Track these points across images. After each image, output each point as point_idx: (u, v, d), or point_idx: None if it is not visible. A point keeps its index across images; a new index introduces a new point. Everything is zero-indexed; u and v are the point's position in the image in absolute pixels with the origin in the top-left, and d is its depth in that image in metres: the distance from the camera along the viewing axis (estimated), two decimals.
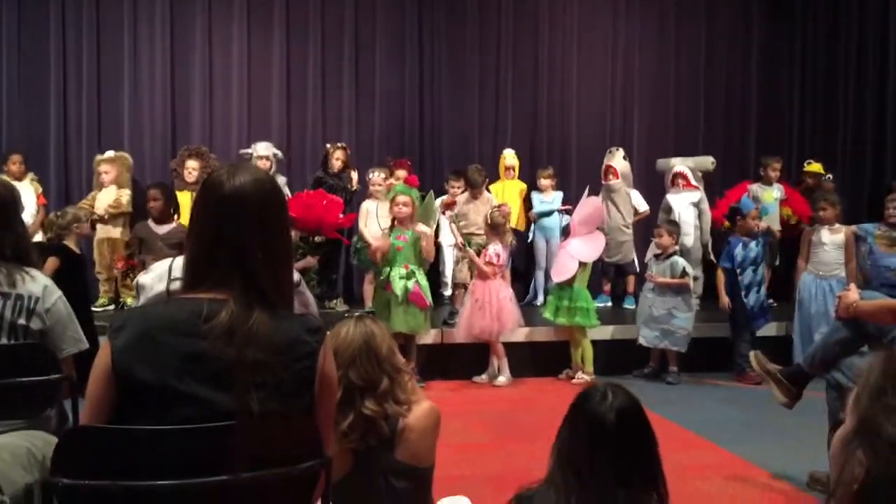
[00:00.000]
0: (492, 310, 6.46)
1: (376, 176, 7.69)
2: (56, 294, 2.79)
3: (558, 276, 6.80)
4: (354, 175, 8.00)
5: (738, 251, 6.83)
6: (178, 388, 1.60)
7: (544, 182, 8.43)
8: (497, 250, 6.56)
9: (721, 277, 6.91)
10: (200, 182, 3.85)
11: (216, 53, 8.77)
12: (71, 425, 2.77)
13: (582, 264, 6.78)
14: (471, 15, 9.23)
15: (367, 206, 7.62)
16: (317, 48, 8.95)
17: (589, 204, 6.99)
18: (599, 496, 2.08)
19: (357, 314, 2.61)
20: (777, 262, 8.39)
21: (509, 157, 8.57)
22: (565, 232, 7.45)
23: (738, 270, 6.83)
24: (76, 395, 2.75)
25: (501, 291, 6.59)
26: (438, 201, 8.12)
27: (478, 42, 9.26)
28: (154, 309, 1.80)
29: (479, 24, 9.26)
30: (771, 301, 7.48)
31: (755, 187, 8.37)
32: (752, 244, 6.86)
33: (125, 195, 7.60)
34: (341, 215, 7.31)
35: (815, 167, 8.94)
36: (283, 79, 8.89)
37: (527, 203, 8.52)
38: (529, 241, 8.55)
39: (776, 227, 8.30)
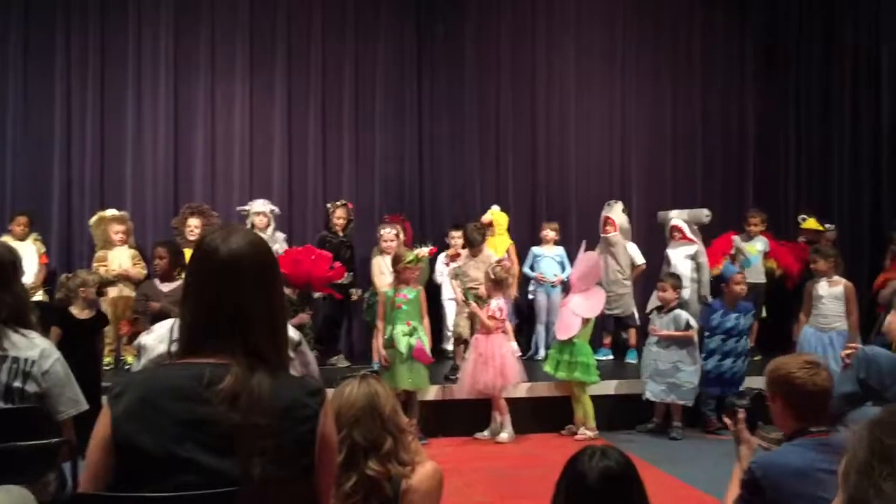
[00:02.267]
0: (495, 364, 6.44)
1: (387, 232, 7.79)
2: (54, 356, 2.78)
3: (563, 334, 6.78)
4: (356, 292, 8.03)
5: (716, 317, 6.88)
6: (179, 455, 1.59)
7: (549, 234, 8.39)
8: (500, 304, 6.57)
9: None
10: None
11: (218, 112, 8.88)
12: (70, 490, 2.74)
13: (585, 321, 6.77)
14: (469, 72, 9.36)
15: (379, 261, 7.70)
16: (317, 107, 9.06)
17: (586, 260, 7.01)
18: None
19: (361, 373, 2.60)
20: (764, 315, 8.38)
21: (488, 213, 8.52)
22: (566, 287, 7.46)
23: (707, 333, 6.86)
24: (76, 459, 2.73)
25: (504, 346, 6.58)
26: (442, 255, 8.17)
27: (476, 98, 9.37)
28: (155, 374, 1.80)
29: (478, 82, 9.38)
30: (758, 356, 7.45)
31: (738, 239, 8.39)
32: (733, 316, 6.86)
33: (141, 262, 7.63)
34: (331, 268, 7.33)
35: (811, 223, 8.94)
36: (285, 137, 8.98)
37: (519, 259, 8.48)
38: (531, 297, 8.51)
39: (760, 279, 8.29)
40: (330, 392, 2.04)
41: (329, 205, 8.30)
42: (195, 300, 1.74)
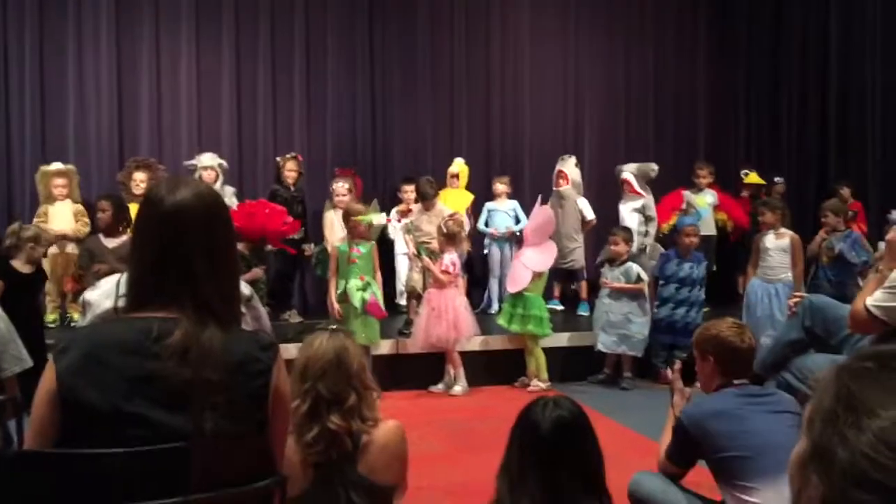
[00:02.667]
0: (448, 318, 6.47)
1: (340, 186, 7.71)
2: None
3: (513, 287, 6.82)
4: (309, 247, 7.95)
5: (670, 266, 6.99)
6: (127, 410, 1.55)
7: (500, 188, 8.43)
8: (452, 259, 6.57)
9: (650, 286, 7.03)
10: None
11: (164, 64, 8.64)
12: (15, 447, 2.69)
13: (536, 274, 6.81)
14: (422, 27, 9.24)
15: (331, 215, 7.63)
16: (266, 58, 8.87)
17: (541, 214, 7.03)
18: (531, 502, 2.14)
19: (331, 327, 2.61)
20: (714, 268, 8.53)
21: (455, 164, 8.56)
22: (519, 241, 7.49)
23: (661, 282, 6.97)
24: (21, 416, 2.67)
25: (457, 299, 6.60)
26: (394, 210, 8.12)
27: (429, 53, 9.28)
28: (101, 329, 1.76)
29: (431, 36, 9.28)
30: (706, 309, 7.59)
31: (689, 193, 8.50)
32: (687, 265, 6.95)
33: (84, 218, 7.41)
34: (285, 223, 7.25)
35: (753, 178, 9.08)
36: (233, 89, 8.79)
37: (475, 215, 8.48)
38: (486, 252, 8.53)
39: (710, 231, 8.40)
40: (285, 349, 2.02)
41: (279, 158, 8.18)
42: (142, 254, 1.69)
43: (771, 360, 4.24)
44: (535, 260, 6.85)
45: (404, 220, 7.82)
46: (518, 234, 8.04)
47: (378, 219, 6.65)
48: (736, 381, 2.98)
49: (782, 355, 4.20)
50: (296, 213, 7.69)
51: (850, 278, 6.76)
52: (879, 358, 0.96)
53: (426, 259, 6.68)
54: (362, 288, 6.33)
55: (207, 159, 7.84)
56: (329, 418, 2.39)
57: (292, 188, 7.98)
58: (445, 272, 6.54)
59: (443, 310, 6.47)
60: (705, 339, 3.04)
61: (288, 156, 8.13)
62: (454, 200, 8.23)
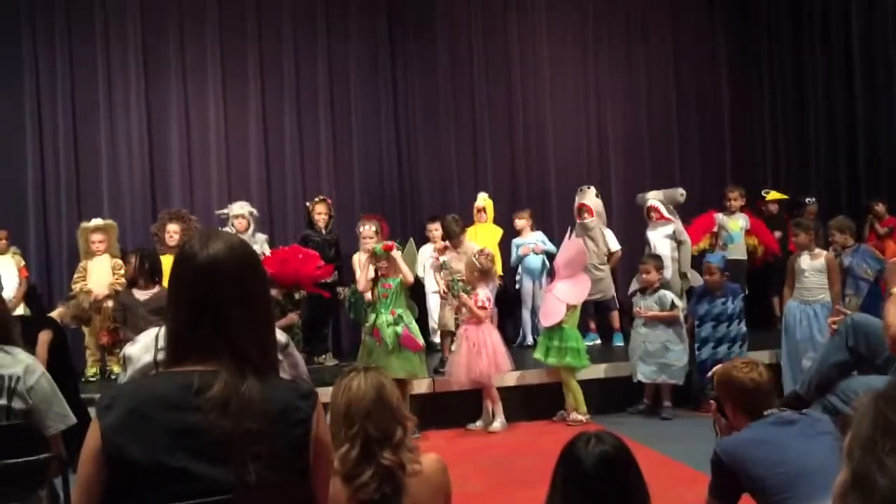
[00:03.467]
0: (488, 353, 6.46)
1: (367, 229, 7.74)
2: (38, 371, 2.75)
3: (548, 321, 6.78)
4: (343, 290, 7.92)
5: (703, 305, 6.93)
6: (170, 465, 1.57)
7: (520, 223, 8.43)
8: (487, 294, 6.59)
9: (688, 323, 6.97)
10: None
11: (192, 115, 8.81)
12: None
13: (570, 307, 6.78)
14: (443, 66, 9.34)
15: (360, 257, 7.66)
16: (292, 105, 9.02)
17: (572, 246, 7.02)
18: None
19: (364, 366, 2.65)
20: (746, 292, 8.43)
21: (480, 199, 8.59)
22: (550, 273, 7.46)
23: (697, 322, 6.89)
24: (66, 473, 2.70)
25: (494, 334, 6.61)
26: (429, 249, 8.10)
27: (451, 92, 9.36)
28: (143, 385, 1.78)
29: (452, 74, 9.37)
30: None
31: (721, 216, 8.45)
32: (720, 301, 6.87)
33: (121, 272, 7.50)
34: (318, 267, 7.30)
35: (774, 195, 9.02)
36: (261, 137, 8.93)
37: (503, 250, 8.47)
38: (518, 286, 8.49)
39: (742, 255, 8.36)
40: (322, 392, 2.03)
41: (308, 203, 8.25)
42: (178, 308, 1.71)
43: (816, 382, 4.18)
44: (568, 292, 6.82)
45: (437, 257, 7.78)
46: (547, 262, 8.01)
47: (379, 244, 6.61)
48: (765, 413, 2.95)
49: (827, 377, 4.14)
50: (328, 256, 7.74)
51: (869, 291, 6.71)
52: None
53: (464, 296, 6.65)
54: (394, 322, 6.32)
55: (238, 207, 7.95)
56: (382, 455, 2.42)
57: (324, 231, 8.04)
58: (482, 308, 6.53)
59: (482, 345, 6.46)
60: (719, 385, 3.06)
61: (317, 199, 8.21)
62: (484, 235, 8.25)
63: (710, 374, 3.33)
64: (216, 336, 1.66)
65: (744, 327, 6.91)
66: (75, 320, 5.89)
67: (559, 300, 6.77)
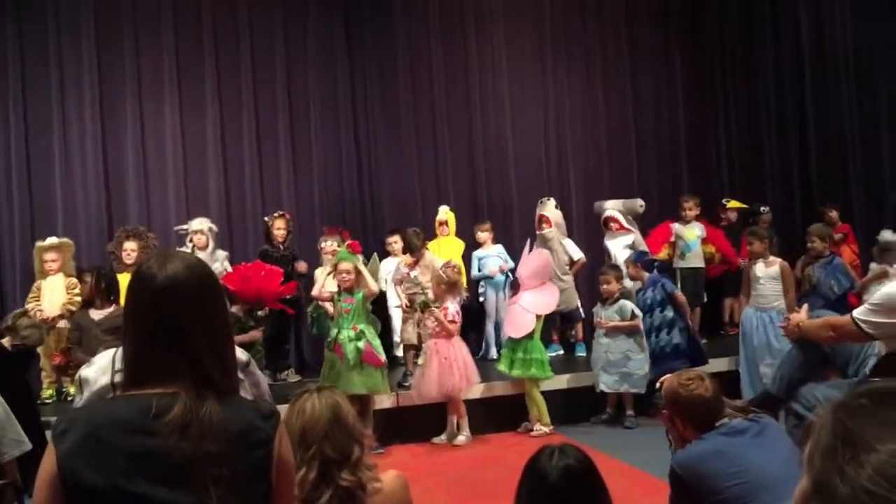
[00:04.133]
0: (459, 367, 6.46)
1: (329, 245, 7.71)
2: None
3: (517, 332, 6.78)
4: (302, 265, 7.95)
5: (639, 298, 7.09)
6: (130, 490, 1.54)
7: (482, 235, 8.43)
8: (456, 307, 6.61)
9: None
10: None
11: (148, 130, 8.70)
12: None
13: (538, 317, 6.80)
14: (403, 79, 9.36)
15: (321, 272, 7.61)
16: (251, 118, 8.96)
17: (536, 257, 7.05)
18: None
19: (316, 386, 2.59)
20: (705, 300, 8.58)
21: (441, 212, 8.59)
22: (513, 285, 7.47)
23: (646, 316, 7.00)
24: (21, 500, 2.64)
25: (463, 348, 6.63)
26: (392, 263, 8.04)
27: (412, 105, 9.38)
28: (99, 408, 1.75)
29: (412, 88, 9.40)
30: (704, 340, 7.69)
31: (677, 226, 8.57)
32: (648, 291, 7.03)
33: (75, 290, 7.37)
34: (282, 283, 7.25)
35: (734, 203, 9.19)
36: (219, 152, 8.86)
37: (466, 263, 8.48)
38: (481, 299, 8.50)
39: (699, 263, 8.50)
40: (283, 410, 2.01)
41: (267, 218, 8.19)
42: (136, 329, 1.69)
43: (787, 381, 4.26)
44: (536, 303, 6.84)
45: (407, 272, 7.72)
46: (510, 274, 8.03)
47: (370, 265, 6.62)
48: (717, 424, 2.94)
49: (797, 376, 4.22)
50: (287, 272, 7.70)
51: (831, 303, 6.81)
52: (874, 395, 0.99)
53: (436, 311, 6.58)
54: (355, 338, 6.29)
55: (197, 224, 7.85)
56: (340, 476, 2.38)
57: (282, 247, 7.99)
58: (453, 322, 6.54)
59: (453, 359, 6.46)
60: (669, 403, 3.02)
61: (276, 214, 8.15)
62: (447, 248, 8.25)
63: (657, 385, 3.34)
64: (175, 357, 1.64)
65: (671, 313, 6.92)
66: (26, 341, 5.72)
67: (527, 311, 6.79)
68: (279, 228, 7.98)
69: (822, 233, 7.21)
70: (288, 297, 7.40)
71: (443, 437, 6.61)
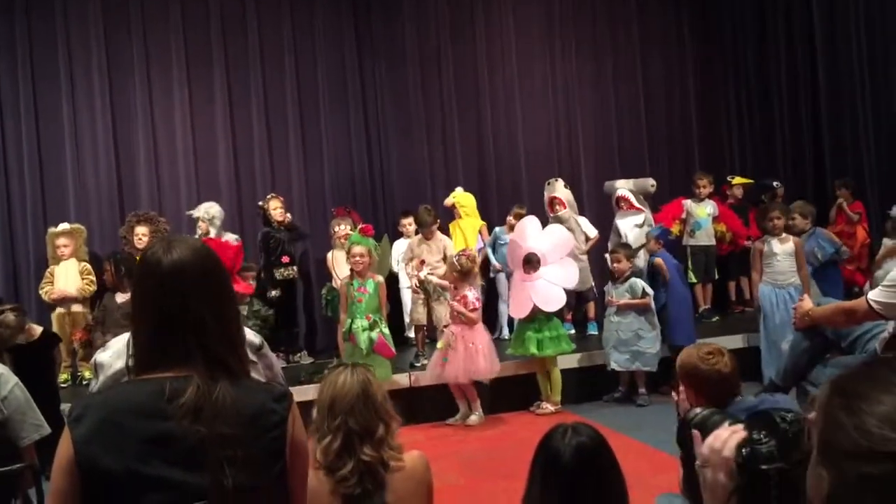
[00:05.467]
0: (485, 353, 6.48)
1: (341, 228, 7.72)
2: (12, 382, 2.72)
3: (549, 306, 6.75)
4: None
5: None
6: (146, 473, 1.55)
7: (514, 221, 8.04)
8: (476, 295, 6.61)
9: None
10: None
11: (158, 116, 8.67)
12: None
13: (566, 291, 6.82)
14: (411, 60, 9.30)
15: (336, 254, 7.63)
16: (260, 102, 8.91)
17: (556, 231, 7.05)
18: None
19: (352, 362, 2.73)
20: (716, 277, 8.58)
21: (451, 196, 8.46)
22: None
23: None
24: (39, 483, 2.67)
25: (486, 335, 6.64)
26: (403, 245, 8.01)
27: (420, 87, 9.31)
28: (114, 394, 1.76)
29: (421, 69, 9.33)
30: (715, 318, 7.92)
31: (689, 203, 8.54)
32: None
33: (90, 276, 7.44)
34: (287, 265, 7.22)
35: (739, 180, 9.14)
36: (229, 137, 8.83)
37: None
38: (492, 276, 8.43)
39: (710, 241, 8.51)
40: (299, 391, 2.02)
41: (261, 202, 8.13)
42: (145, 315, 1.70)
43: (791, 370, 4.24)
44: (562, 276, 6.83)
45: (405, 250, 7.74)
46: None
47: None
48: (729, 402, 2.88)
49: (798, 364, 4.20)
50: (291, 251, 7.75)
51: (828, 277, 6.88)
52: (869, 362, 1.03)
53: (456, 305, 6.53)
54: (369, 328, 6.33)
55: (198, 211, 7.85)
56: (363, 450, 2.45)
57: (283, 227, 7.94)
58: (474, 310, 6.52)
59: (479, 345, 6.46)
60: (685, 376, 2.98)
61: (269, 196, 8.10)
62: (469, 229, 8.20)
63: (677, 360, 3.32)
64: (185, 341, 1.65)
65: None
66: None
67: (554, 285, 6.76)
68: (276, 208, 7.93)
69: (803, 210, 7.28)
70: (287, 275, 7.55)
71: (457, 417, 6.61)
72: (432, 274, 7.17)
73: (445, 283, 6.88)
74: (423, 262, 7.30)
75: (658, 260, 7.17)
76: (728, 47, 10.24)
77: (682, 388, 3.19)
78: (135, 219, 7.93)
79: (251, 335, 2.59)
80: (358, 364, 2.69)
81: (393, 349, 6.46)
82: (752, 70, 10.27)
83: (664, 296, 7.08)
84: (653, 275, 7.18)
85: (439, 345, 6.63)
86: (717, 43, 10.19)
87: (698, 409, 2.95)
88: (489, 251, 8.35)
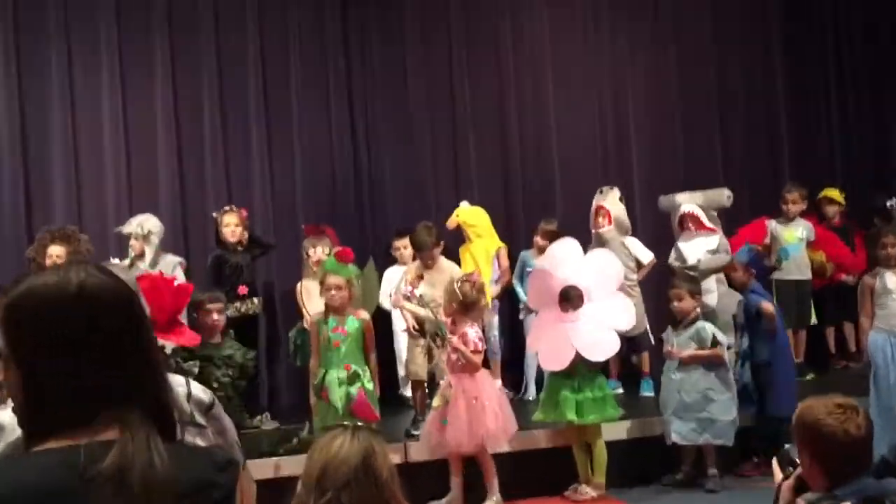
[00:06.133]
0: (494, 409, 6.41)
1: (316, 252, 7.70)
2: None
3: (598, 355, 6.77)
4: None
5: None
6: None
7: (542, 242, 8.13)
8: (479, 334, 6.53)
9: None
10: None
11: (80, 107, 8.71)
12: None
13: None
14: (410, 33, 9.37)
15: (308, 284, 7.61)
16: (212, 84, 8.97)
17: (602, 257, 7.05)
18: None
19: (354, 425, 2.78)
20: (814, 320, 8.53)
21: (456, 215, 8.42)
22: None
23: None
24: None
25: (495, 385, 6.67)
26: (398, 273, 7.99)
27: (424, 74, 9.38)
28: (6, 475, 1.71)
29: (423, 44, 9.41)
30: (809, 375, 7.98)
31: (774, 224, 8.53)
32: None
33: None
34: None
35: (832, 193, 9.13)
36: (171, 133, 8.87)
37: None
38: (521, 318, 8.43)
39: (802, 274, 8.52)
40: (257, 466, 1.99)
41: (215, 214, 8.18)
42: (38, 360, 1.65)
43: None
44: (615, 317, 6.82)
45: (410, 290, 7.63)
46: None
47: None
48: (838, 493, 2.85)
49: None
50: (247, 281, 7.86)
51: None
52: None
53: (456, 342, 6.49)
54: (347, 381, 6.29)
55: (130, 227, 7.86)
56: None
57: (239, 249, 7.97)
58: (476, 351, 6.47)
59: (485, 399, 6.39)
60: (799, 426, 2.97)
61: (225, 209, 8.15)
62: (481, 252, 8.17)
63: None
64: (100, 393, 1.62)
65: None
66: None
67: (606, 327, 6.73)
68: (228, 225, 7.98)
69: None
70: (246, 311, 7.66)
71: (443, 501, 6.48)
72: (435, 315, 7.05)
73: (441, 317, 6.79)
74: (413, 292, 7.23)
75: (766, 305, 7.09)
76: (828, 25, 10.26)
77: (786, 468, 3.11)
78: (48, 236, 7.93)
79: (200, 392, 2.58)
80: (361, 427, 2.67)
81: (376, 411, 6.40)
82: (859, 59, 10.28)
83: (766, 349, 7.01)
84: (749, 320, 7.10)
85: (434, 402, 6.57)
86: (813, 19, 10.19)
87: (810, 496, 2.93)
88: (516, 283, 8.31)
